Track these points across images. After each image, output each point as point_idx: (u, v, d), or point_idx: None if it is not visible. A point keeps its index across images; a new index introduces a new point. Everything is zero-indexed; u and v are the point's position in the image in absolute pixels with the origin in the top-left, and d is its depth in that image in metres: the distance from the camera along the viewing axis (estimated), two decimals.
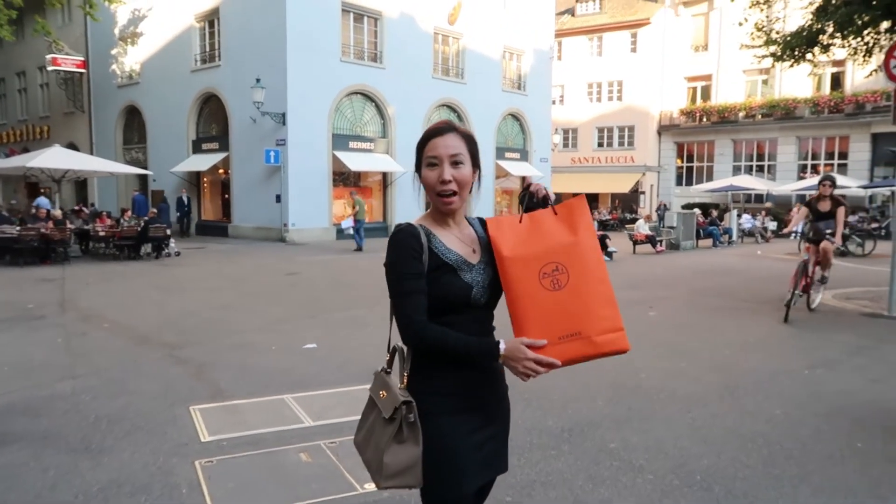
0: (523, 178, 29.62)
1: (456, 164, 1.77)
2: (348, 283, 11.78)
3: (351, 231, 18.82)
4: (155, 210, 18.96)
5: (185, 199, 23.10)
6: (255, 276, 12.71)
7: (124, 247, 16.07)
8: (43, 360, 6.05)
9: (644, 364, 5.86)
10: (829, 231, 8.38)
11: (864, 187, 28.46)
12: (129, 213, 18.85)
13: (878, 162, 30.37)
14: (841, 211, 8.37)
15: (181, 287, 11.19)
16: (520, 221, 1.80)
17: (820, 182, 8.66)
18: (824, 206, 8.48)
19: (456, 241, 1.82)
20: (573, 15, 39.03)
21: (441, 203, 1.79)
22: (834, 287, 11.10)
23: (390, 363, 1.90)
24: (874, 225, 24.17)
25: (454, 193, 1.77)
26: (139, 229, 16.07)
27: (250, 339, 6.95)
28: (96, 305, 9.16)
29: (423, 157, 1.80)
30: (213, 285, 11.44)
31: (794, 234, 12.20)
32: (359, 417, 1.93)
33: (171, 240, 16.75)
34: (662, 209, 30.32)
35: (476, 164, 1.83)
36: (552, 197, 1.88)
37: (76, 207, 22.01)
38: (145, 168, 24.37)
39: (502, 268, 1.75)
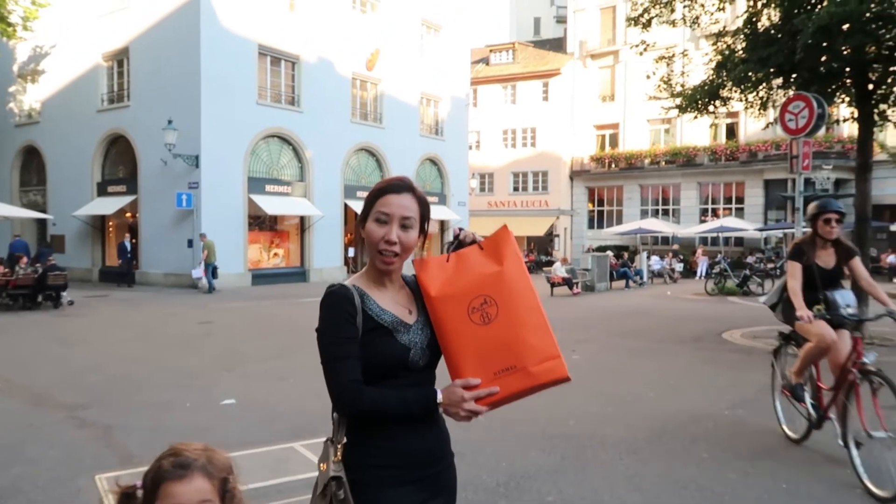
0: (442, 222, 29.89)
1: (405, 226, 1.70)
2: (266, 332, 11.36)
3: (203, 279, 18.90)
4: (51, 258, 17.77)
5: (127, 244, 20.91)
6: (166, 326, 12.05)
7: (19, 296, 14.95)
8: None
9: (572, 410, 5.87)
10: (850, 309, 4.56)
11: (760, 230, 30.38)
12: (25, 259, 17.59)
13: (770, 206, 32.55)
14: (859, 268, 4.73)
15: (83, 340, 10.45)
16: (447, 261, 1.75)
17: (817, 214, 4.67)
18: (827, 258, 4.73)
19: (391, 302, 1.74)
20: (487, 64, 40.29)
21: (380, 261, 1.70)
22: (741, 326, 11.66)
23: (335, 431, 1.78)
24: (770, 265, 25.76)
25: (396, 255, 1.70)
26: (36, 277, 15.01)
27: (162, 397, 6.51)
28: None
29: (373, 210, 1.71)
30: (120, 336, 10.75)
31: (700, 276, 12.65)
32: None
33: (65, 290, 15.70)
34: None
35: (423, 230, 1.77)
36: (479, 237, 1.83)
37: None
38: (44, 211, 22.98)
39: (431, 308, 1.69)
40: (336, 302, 1.66)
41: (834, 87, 9.76)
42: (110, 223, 23.71)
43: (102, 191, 23.03)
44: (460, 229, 1.85)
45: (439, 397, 1.63)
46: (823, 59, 8.98)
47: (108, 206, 22.36)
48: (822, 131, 11.15)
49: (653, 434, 5.21)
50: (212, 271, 19.07)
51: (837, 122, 11.59)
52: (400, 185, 1.73)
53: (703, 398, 6.45)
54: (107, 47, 22.35)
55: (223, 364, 8.25)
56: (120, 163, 22.98)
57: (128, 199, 21.92)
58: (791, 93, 9.94)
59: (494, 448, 4.81)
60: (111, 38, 22.06)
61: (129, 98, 22.02)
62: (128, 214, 22.67)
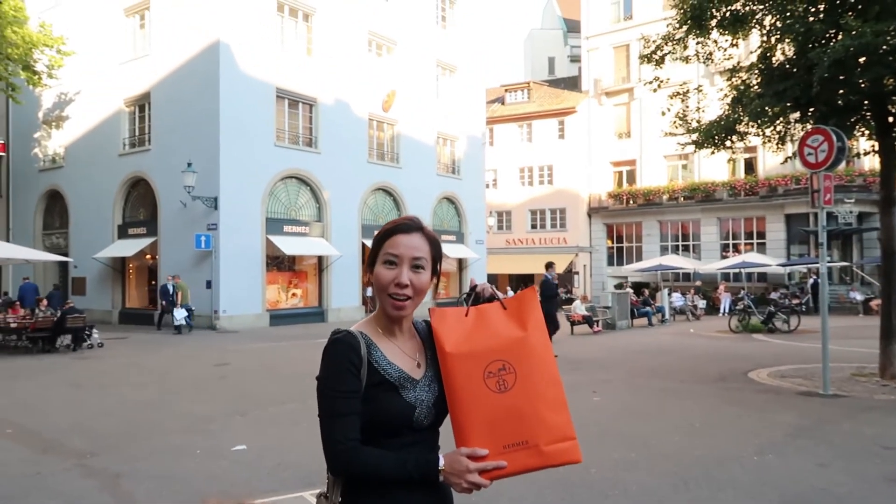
0: (460, 261, 29.79)
1: (417, 268, 1.59)
2: (281, 374, 11.23)
3: (184, 321, 19.20)
4: (61, 302, 17.91)
5: (170, 286, 20.15)
6: (182, 369, 11.99)
7: (38, 339, 15.01)
8: None
9: (594, 456, 5.65)
10: None
11: (783, 265, 29.90)
12: (45, 302, 17.74)
13: (793, 241, 32.12)
14: None
15: (98, 383, 10.40)
16: (466, 315, 1.62)
17: None
18: None
19: (399, 354, 1.63)
20: (503, 104, 40.67)
21: (391, 306, 1.59)
22: (768, 365, 11.33)
23: (330, 487, 1.65)
24: (795, 301, 25.25)
25: (408, 299, 1.58)
26: (55, 319, 15.09)
27: (173, 443, 6.39)
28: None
29: (381, 253, 1.61)
30: (135, 380, 10.68)
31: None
32: None
33: (94, 329, 15.79)
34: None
35: (436, 271, 1.66)
36: (500, 296, 1.70)
37: None
38: (66, 254, 23.26)
39: (444, 365, 1.56)
40: (340, 352, 1.56)
41: (853, 119, 9.61)
42: (130, 265, 23.93)
43: (123, 233, 23.31)
44: (476, 283, 1.73)
45: (441, 463, 1.51)
46: (841, 91, 8.86)
47: (128, 248, 22.59)
48: (842, 165, 10.95)
49: (678, 480, 4.98)
50: (189, 312, 19.51)
51: (858, 155, 11.39)
52: (409, 225, 1.63)
53: (730, 442, 6.19)
54: (129, 93, 22.87)
55: (237, 408, 8.13)
56: (140, 205, 23.29)
57: (148, 240, 22.14)
58: (809, 126, 9.81)
59: (510, 497, 4.61)
60: (133, 84, 22.59)
61: (149, 142, 22.42)
62: (147, 256, 22.87)
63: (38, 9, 24.85)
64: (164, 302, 20.12)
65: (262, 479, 5.16)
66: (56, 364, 12.74)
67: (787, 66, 9.73)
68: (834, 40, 8.73)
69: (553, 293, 13.51)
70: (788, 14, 9.30)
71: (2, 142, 27.32)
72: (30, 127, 26.89)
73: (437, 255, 1.66)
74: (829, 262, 26.73)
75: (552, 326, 12.80)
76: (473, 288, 1.70)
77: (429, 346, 1.67)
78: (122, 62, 23.04)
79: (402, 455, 1.51)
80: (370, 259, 1.66)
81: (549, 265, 13.98)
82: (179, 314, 19.16)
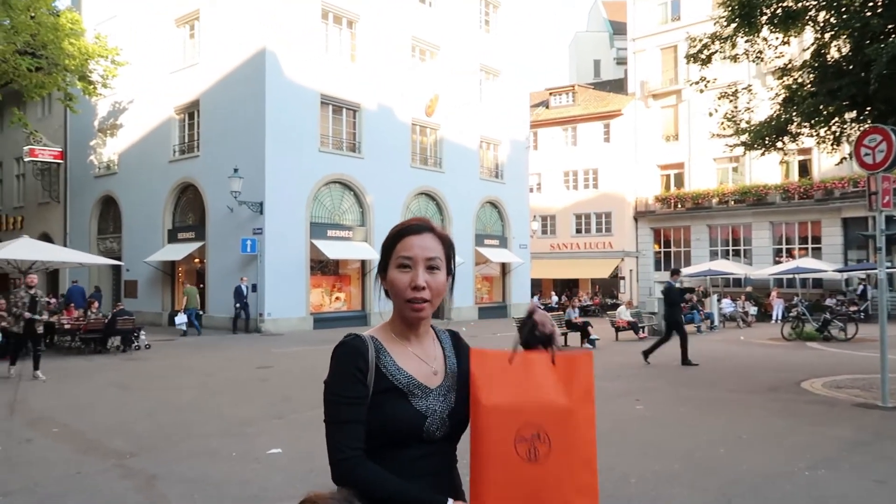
0: (503, 265, 29.58)
1: (432, 268, 1.53)
2: (322, 377, 11.18)
3: (184, 326, 19.62)
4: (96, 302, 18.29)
5: (243, 288, 20.22)
6: (224, 371, 12.15)
7: (90, 340, 15.45)
8: None
9: (634, 467, 5.45)
10: None
11: (840, 271, 28.76)
12: (97, 304, 18.26)
13: (850, 245, 30.88)
14: None
15: (143, 384, 10.60)
16: (510, 361, 1.48)
17: None
18: None
19: (413, 359, 1.54)
20: (547, 107, 40.30)
21: (410, 311, 1.52)
22: (822, 374, 10.85)
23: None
24: (853, 308, 24.26)
25: (426, 301, 1.52)
26: (106, 321, 15.51)
27: (210, 445, 6.44)
28: (48, 406, 8.58)
29: (393, 257, 1.54)
30: (178, 382, 10.87)
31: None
32: None
33: (142, 331, 16.19)
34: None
35: (450, 271, 1.59)
36: (558, 339, 1.54)
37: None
38: (118, 258, 23.97)
39: (475, 416, 1.43)
40: (346, 356, 1.50)
41: None
42: (180, 269, 24.50)
43: (173, 237, 23.88)
44: (536, 308, 1.59)
45: None
46: None
47: (177, 252, 23.13)
48: None
49: (723, 497, 4.74)
50: (195, 316, 20.00)
51: None
52: (419, 226, 1.57)
53: (779, 456, 5.89)
54: (179, 101, 23.45)
55: (275, 411, 8.17)
56: (189, 210, 23.83)
57: (196, 245, 22.63)
58: (865, 126, 9.37)
59: None
60: (183, 92, 23.15)
61: (198, 148, 22.94)
62: (196, 260, 23.37)
63: (94, 21, 25.74)
64: (237, 304, 20.17)
65: (295, 483, 5.13)
66: (105, 365, 13.07)
67: (843, 63, 9.34)
68: (893, 35, 8.32)
69: (678, 300, 13.49)
70: (844, 10, 8.92)
71: (60, 150, 28.36)
72: (86, 135, 27.84)
73: (450, 254, 1.59)
74: (888, 267, 25.62)
75: (680, 334, 12.73)
76: (531, 315, 1.54)
77: (453, 355, 1.61)
78: (173, 71, 23.66)
79: (405, 486, 1.41)
80: (381, 264, 1.59)
81: (675, 272, 14.08)
82: (180, 319, 19.60)
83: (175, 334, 19.64)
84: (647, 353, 12.89)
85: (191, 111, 23.38)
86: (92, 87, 23.10)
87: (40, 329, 11.34)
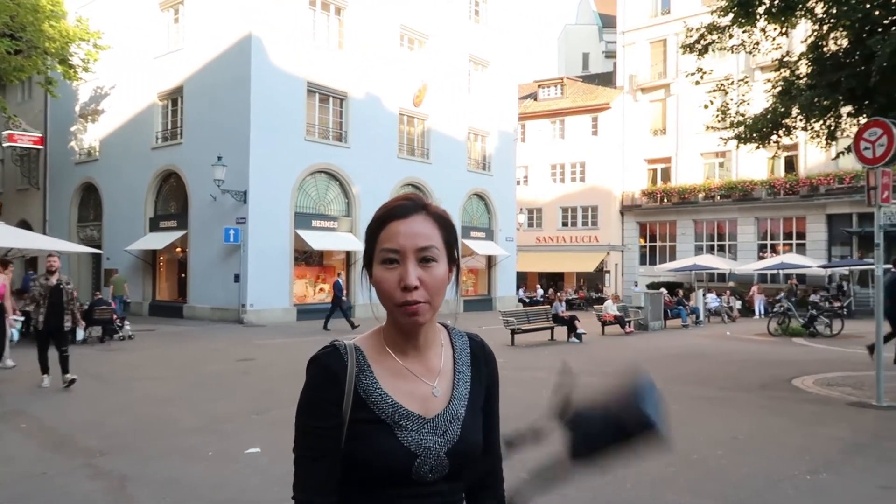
0: (489, 258, 29.33)
1: (426, 261, 1.18)
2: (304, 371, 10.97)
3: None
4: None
5: (341, 281, 19.68)
6: (205, 363, 11.82)
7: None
8: None
9: (629, 470, 5.22)
10: None
11: (824, 267, 28.84)
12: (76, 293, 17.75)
13: (834, 242, 31.01)
14: None
15: (120, 376, 10.26)
16: None
17: None
18: None
19: (406, 379, 1.22)
20: (536, 99, 40.07)
21: (403, 316, 1.18)
22: (812, 371, 10.73)
23: None
24: (837, 304, 24.30)
25: (422, 303, 1.17)
26: (84, 311, 15.08)
27: (186, 443, 6.14)
28: (20, 400, 8.22)
29: (377, 249, 1.20)
30: (156, 374, 10.53)
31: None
32: None
33: (126, 322, 15.83)
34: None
35: (453, 259, 1.25)
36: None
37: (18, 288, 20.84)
38: (99, 246, 23.47)
39: None
40: (316, 378, 1.19)
41: None
42: (161, 258, 24.03)
43: (154, 226, 23.41)
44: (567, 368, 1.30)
45: None
46: None
47: (159, 240, 22.68)
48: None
49: (724, 503, 4.54)
50: (122, 304, 19.50)
51: None
52: (406, 207, 1.22)
53: (779, 459, 5.71)
54: (162, 87, 22.93)
55: (255, 407, 7.87)
56: (172, 198, 23.36)
57: (178, 233, 22.18)
58: (862, 120, 9.21)
59: None
60: (166, 77, 22.64)
61: (181, 136, 22.45)
62: (178, 249, 22.93)
63: (75, 3, 25.07)
64: (341, 296, 19.03)
65: (274, 486, 4.85)
66: (84, 356, 12.61)
67: (841, 56, 9.15)
68: (895, 27, 8.14)
69: None
70: (843, 1, 8.72)
71: (40, 135, 27.70)
72: (66, 120, 27.21)
73: (450, 239, 1.24)
74: (871, 264, 25.66)
75: None
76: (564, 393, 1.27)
77: (467, 370, 1.28)
78: (156, 56, 23.12)
79: None
80: (365, 258, 1.25)
81: None
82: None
83: (156, 324, 19.24)
84: (871, 349, 9.97)
85: (174, 97, 22.87)
86: (73, 71, 22.52)
87: (68, 324, 9.10)
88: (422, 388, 1.22)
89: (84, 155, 26.78)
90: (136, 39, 23.74)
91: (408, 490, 1.17)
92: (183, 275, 22.62)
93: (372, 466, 1.16)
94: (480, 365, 1.32)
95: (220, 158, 19.56)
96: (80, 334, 12.66)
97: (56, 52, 21.55)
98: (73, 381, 8.76)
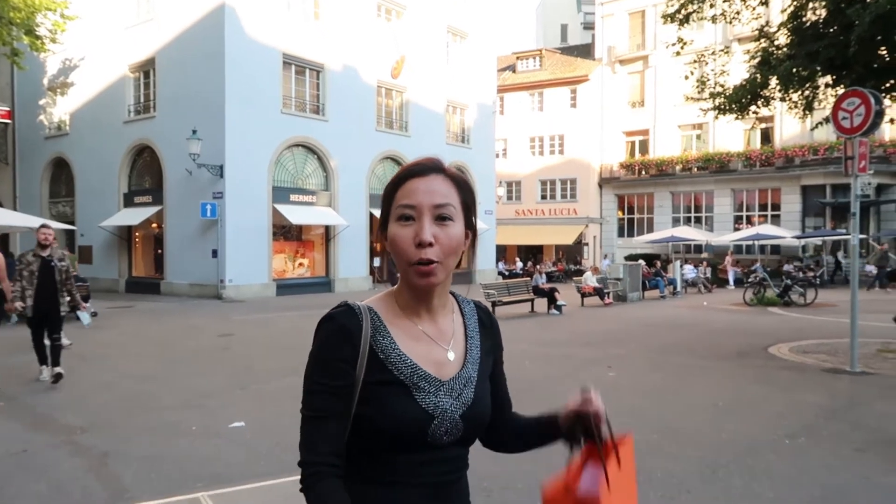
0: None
1: (442, 218, 1.18)
2: (286, 345, 10.92)
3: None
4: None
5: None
6: (185, 339, 11.72)
7: None
8: None
9: None
10: None
11: (798, 237, 29.30)
12: None
13: (808, 213, 31.44)
14: None
15: (100, 354, 10.14)
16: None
17: None
18: None
19: (422, 341, 1.22)
20: (514, 71, 39.79)
21: (416, 276, 1.17)
22: (787, 339, 10.93)
23: None
24: (811, 274, 24.73)
25: (436, 263, 1.16)
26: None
27: (168, 418, 6.09)
28: None
29: (394, 207, 1.20)
30: (136, 350, 10.43)
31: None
32: None
33: (89, 302, 15.55)
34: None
35: (471, 224, 1.25)
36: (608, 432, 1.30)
37: None
38: (72, 223, 23.02)
39: None
40: (330, 336, 1.17)
41: (893, 82, 9.04)
42: (137, 234, 23.67)
43: (129, 201, 23.01)
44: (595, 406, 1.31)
45: None
46: (881, 51, 8.30)
47: (134, 216, 22.32)
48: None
49: (706, 469, 4.62)
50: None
51: (892, 120, 10.80)
52: (426, 166, 1.23)
53: (758, 424, 5.82)
54: (133, 59, 22.37)
55: (238, 381, 7.84)
56: (146, 173, 22.95)
57: (154, 209, 21.83)
58: (840, 91, 9.26)
59: (526, 483, 4.27)
60: (138, 49, 22.08)
61: (155, 109, 21.99)
62: (154, 225, 22.59)
63: None
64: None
65: (260, 460, 4.84)
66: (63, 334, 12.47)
67: (821, 25, 9.17)
68: None
69: None
70: None
71: (7, 109, 26.90)
72: (35, 94, 26.49)
73: (468, 201, 1.24)
74: (844, 234, 26.16)
75: None
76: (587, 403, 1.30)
77: (476, 335, 1.30)
78: (127, 27, 22.51)
79: None
80: (381, 219, 1.25)
81: None
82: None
83: (134, 301, 19.01)
84: None
85: (146, 69, 22.34)
86: (40, 42, 21.79)
87: (64, 309, 7.96)
88: (437, 350, 1.23)
89: (54, 129, 26.15)
90: (105, 9, 23.07)
91: (419, 456, 1.17)
92: (160, 251, 22.32)
93: (387, 429, 1.15)
94: (488, 332, 1.35)
95: (195, 132, 19.21)
96: (85, 319, 10.93)
97: (22, 23, 20.82)
98: (59, 375, 7.64)
